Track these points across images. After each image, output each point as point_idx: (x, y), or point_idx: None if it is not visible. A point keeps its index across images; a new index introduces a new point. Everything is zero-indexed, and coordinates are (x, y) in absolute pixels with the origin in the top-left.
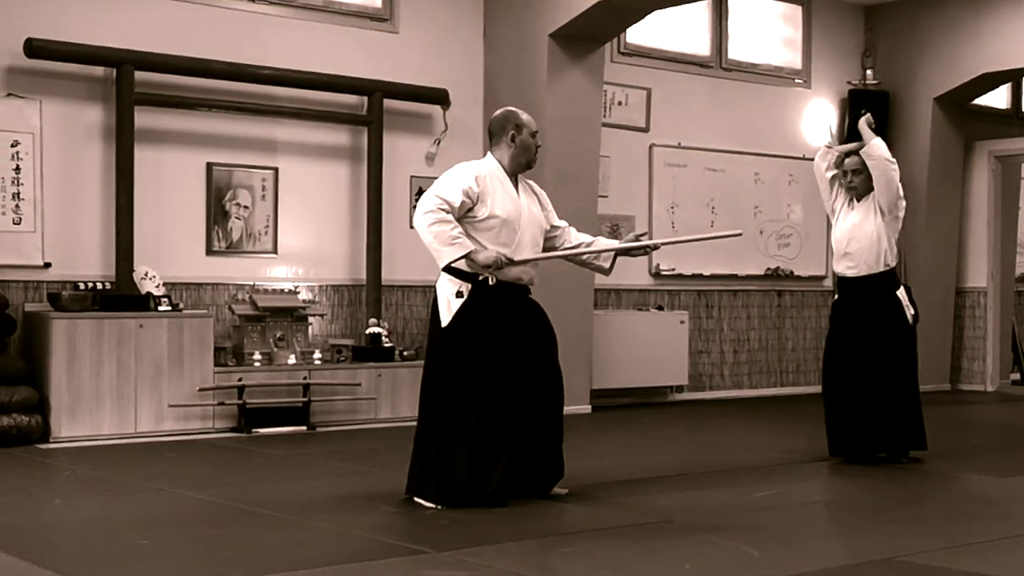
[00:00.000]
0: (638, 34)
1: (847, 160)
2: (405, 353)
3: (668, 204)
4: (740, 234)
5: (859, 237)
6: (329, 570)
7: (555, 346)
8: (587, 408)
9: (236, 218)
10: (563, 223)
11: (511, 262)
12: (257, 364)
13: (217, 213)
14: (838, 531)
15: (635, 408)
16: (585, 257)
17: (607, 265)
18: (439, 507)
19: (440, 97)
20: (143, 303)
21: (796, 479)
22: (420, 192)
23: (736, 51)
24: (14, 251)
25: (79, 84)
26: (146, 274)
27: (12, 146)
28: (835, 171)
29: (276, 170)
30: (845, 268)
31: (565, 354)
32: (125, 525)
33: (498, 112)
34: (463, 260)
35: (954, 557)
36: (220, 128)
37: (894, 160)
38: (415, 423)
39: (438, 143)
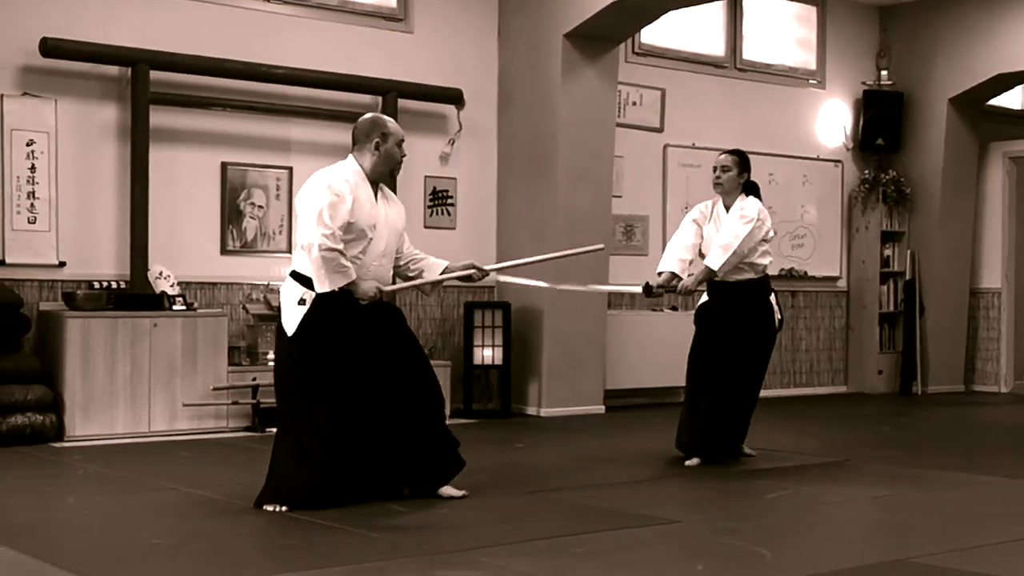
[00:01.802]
0: (652, 34)
1: (718, 157)
2: None
3: (682, 204)
4: (602, 248)
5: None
6: (342, 570)
7: (415, 345)
8: (600, 408)
9: (250, 217)
10: (408, 246)
11: (382, 292)
12: (271, 364)
13: (231, 212)
14: (850, 532)
15: (648, 408)
16: (422, 282)
17: (429, 289)
18: (283, 508)
19: (454, 97)
20: (157, 302)
21: (809, 480)
22: (435, 192)
23: (751, 52)
24: (29, 250)
25: (94, 83)
26: (160, 273)
27: (27, 145)
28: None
29: (290, 170)
30: (725, 275)
31: (578, 354)
32: (138, 524)
33: (364, 117)
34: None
35: (966, 559)
36: (235, 128)
37: (740, 241)
38: None
39: (452, 143)
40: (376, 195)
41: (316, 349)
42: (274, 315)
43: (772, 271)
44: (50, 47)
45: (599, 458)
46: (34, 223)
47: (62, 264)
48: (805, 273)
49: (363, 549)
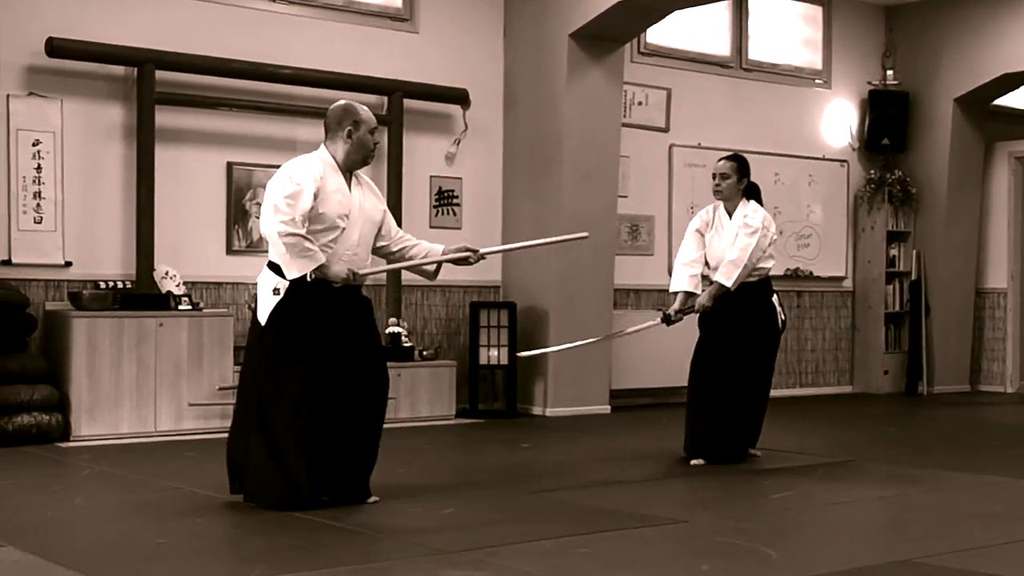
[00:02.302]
0: (658, 34)
1: (717, 164)
2: (425, 353)
3: (688, 204)
4: (587, 236)
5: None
6: (347, 570)
7: (378, 343)
8: (606, 408)
9: (256, 217)
10: (394, 224)
11: (356, 275)
12: None
13: (237, 212)
14: (857, 532)
15: (654, 408)
16: (415, 263)
17: (431, 270)
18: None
19: (460, 97)
20: (163, 302)
21: (815, 480)
22: (440, 192)
23: (756, 51)
24: (35, 250)
25: (100, 83)
26: (166, 273)
27: (33, 145)
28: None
29: None
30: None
31: (583, 354)
32: (144, 524)
33: (335, 105)
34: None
35: (973, 559)
36: (240, 128)
37: (746, 254)
38: (434, 422)
39: (458, 143)
40: (350, 184)
41: (289, 339)
42: None
43: (777, 271)
44: (56, 47)
45: (605, 458)
46: (40, 223)
47: (68, 264)
48: (811, 273)
49: (368, 549)
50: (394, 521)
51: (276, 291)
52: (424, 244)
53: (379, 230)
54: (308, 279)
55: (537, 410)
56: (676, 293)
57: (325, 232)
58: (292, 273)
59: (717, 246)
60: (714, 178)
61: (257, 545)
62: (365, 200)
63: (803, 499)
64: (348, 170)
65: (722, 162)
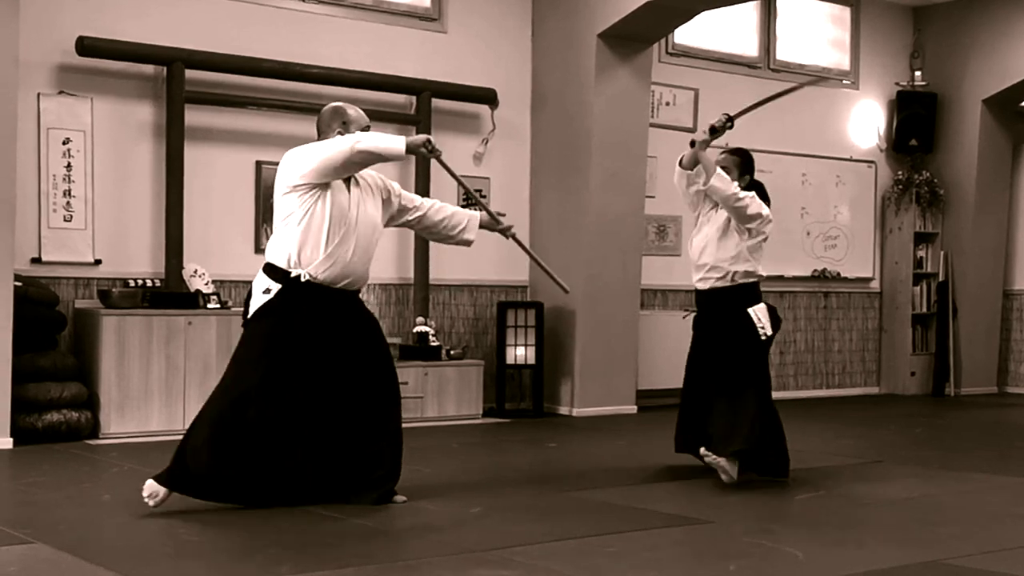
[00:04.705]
0: (686, 34)
1: (718, 156)
2: (452, 352)
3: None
4: (567, 292)
5: (709, 250)
6: (375, 568)
7: (382, 350)
8: (633, 408)
9: None
10: (418, 200)
11: (432, 148)
12: None
13: (266, 211)
14: (883, 533)
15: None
16: (448, 232)
17: (471, 237)
18: (160, 496)
19: (488, 97)
20: (192, 300)
21: (841, 481)
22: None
23: (784, 52)
24: (65, 248)
25: (130, 82)
26: (195, 271)
27: (64, 143)
28: (696, 185)
29: None
30: (696, 280)
31: (611, 354)
32: (172, 521)
33: (327, 107)
34: (289, 253)
35: (1000, 561)
36: (269, 127)
37: (742, 196)
38: (461, 422)
39: (486, 143)
40: (349, 186)
41: (262, 336)
42: None
43: (804, 272)
44: (86, 46)
45: (631, 458)
46: (70, 221)
47: (98, 262)
48: (838, 274)
49: (396, 548)
50: (421, 520)
51: (267, 291)
52: (458, 210)
53: (391, 218)
54: (305, 277)
55: (564, 410)
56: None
57: (318, 225)
58: (400, 147)
59: (700, 238)
60: None
61: (285, 542)
62: (363, 203)
63: (830, 500)
64: None
65: (723, 155)
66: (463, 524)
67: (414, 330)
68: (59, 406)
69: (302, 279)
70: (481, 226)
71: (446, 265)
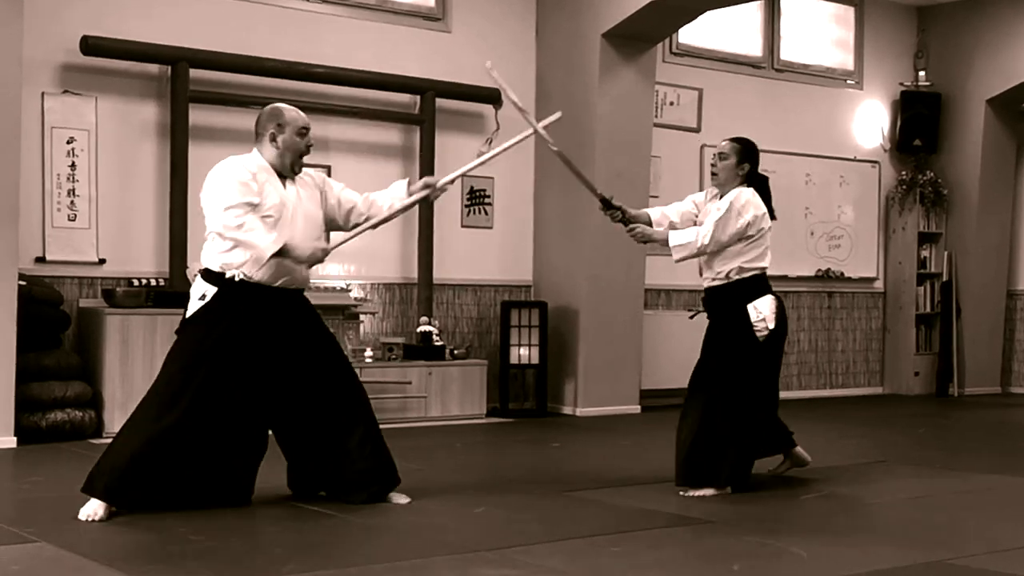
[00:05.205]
0: (690, 34)
1: (719, 144)
2: (456, 352)
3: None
4: (559, 117)
5: None
6: (380, 568)
7: (331, 348)
8: (636, 408)
9: None
10: (358, 196)
11: (326, 252)
12: None
13: None
14: (887, 533)
15: None
16: (389, 213)
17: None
18: (102, 512)
19: (492, 96)
20: None
21: (845, 481)
22: (472, 192)
23: (788, 52)
24: (69, 247)
25: (134, 81)
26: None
27: (68, 143)
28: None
29: (328, 168)
30: (702, 279)
31: (615, 354)
32: (176, 520)
33: (265, 108)
34: (229, 260)
35: (1003, 561)
36: None
37: (707, 239)
38: (465, 421)
39: (490, 142)
40: (285, 186)
41: (195, 344)
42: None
43: (808, 272)
44: (91, 45)
45: (635, 458)
46: (74, 220)
47: (102, 261)
48: (842, 274)
49: (400, 547)
50: (424, 519)
51: (203, 297)
52: (386, 194)
53: (338, 220)
54: (239, 277)
55: (567, 410)
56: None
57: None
58: (261, 257)
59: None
60: (712, 158)
61: (289, 542)
62: (302, 203)
63: (834, 500)
64: (281, 173)
65: (724, 142)
66: (466, 523)
67: (418, 330)
68: (63, 405)
69: (236, 279)
70: (412, 204)
71: (450, 265)
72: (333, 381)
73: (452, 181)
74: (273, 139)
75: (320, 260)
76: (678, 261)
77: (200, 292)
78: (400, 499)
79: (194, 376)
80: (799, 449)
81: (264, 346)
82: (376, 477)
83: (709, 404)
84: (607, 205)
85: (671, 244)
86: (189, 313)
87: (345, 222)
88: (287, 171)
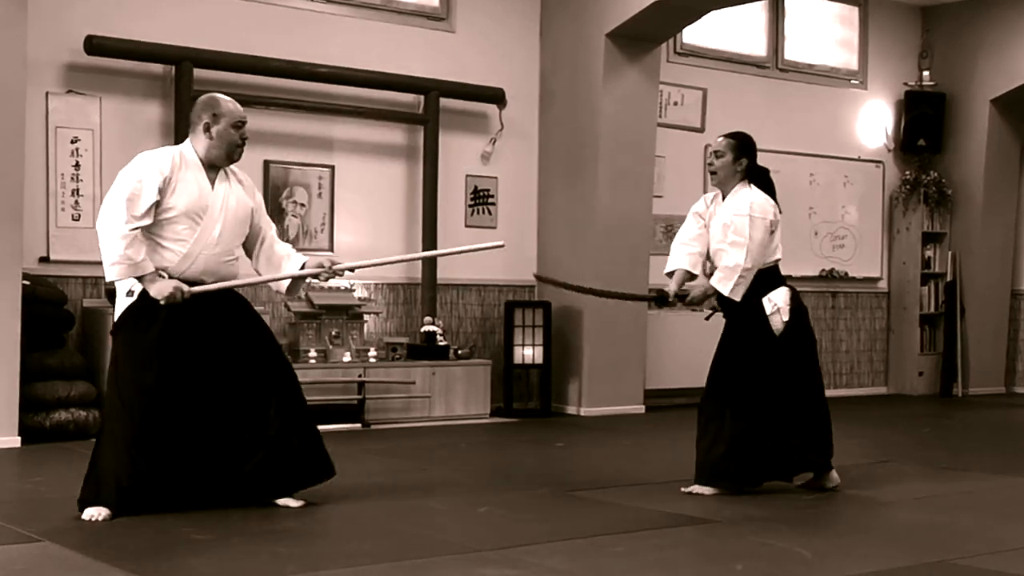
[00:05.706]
0: (694, 34)
1: (715, 140)
2: (460, 352)
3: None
4: (502, 245)
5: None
6: (383, 567)
7: (267, 340)
8: (641, 408)
9: (292, 215)
10: (272, 231)
11: (183, 293)
12: (312, 361)
13: (274, 210)
14: (892, 533)
15: (689, 408)
16: (263, 279)
17: (283, 288)
18: (102, 515)
19: (496, 96)
20: None
21: (849, 481)
22: (476, 191)
23: (792, 52)
24: (73, 247)
25: (138, 81)
26: None
27: (72, 142)
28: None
29: (333, 168)
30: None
31: (619, 354)
32: (179, 519)
33: (200, 97)
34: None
35: (1009, 561)
36: (277, 126)
37: (743, 260)
38: (469, 421)
39: (494, 142)
40: (214, 180)
41: (137, 342)
42: (317, 313)
43: (812, 271)
44: (95, 45)
45: (639, 458)
46: (78, 220)
47: None
48: (846, 274)
49: (402, 546)
50: (428, 519)
51: (130, 293)
52: (289, 256)
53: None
54: (129, 293)
55: (571, 409)
56: (673, 272)
57: (172, 223)
58: (109, 275)
59: (711, 235)
60: (708, 156)
61: (290, 541)
62: (230, 198)
63: (838, 500)
64: (211, 166)
65: (720, 138)
66: (469, 523)
67: (422, 330)
68: (67, 405)
69: (160, 275)
70: (299, 277)
71: (454, 265)
72: (262, 376)
73: (350, 270)
74: (207, 129)
75: (178, 302)
76: (739, 298)
77: (127, 288)
78: (292, 503)
79: (146, 375)
80: (834, 473)
81: (200, 337)
82: (304, 470)
83: (727, 402)
84: (663, 301)
85: (726, 292)
86: (118, 312)
87: (250, 245)
88: (220, 163)
